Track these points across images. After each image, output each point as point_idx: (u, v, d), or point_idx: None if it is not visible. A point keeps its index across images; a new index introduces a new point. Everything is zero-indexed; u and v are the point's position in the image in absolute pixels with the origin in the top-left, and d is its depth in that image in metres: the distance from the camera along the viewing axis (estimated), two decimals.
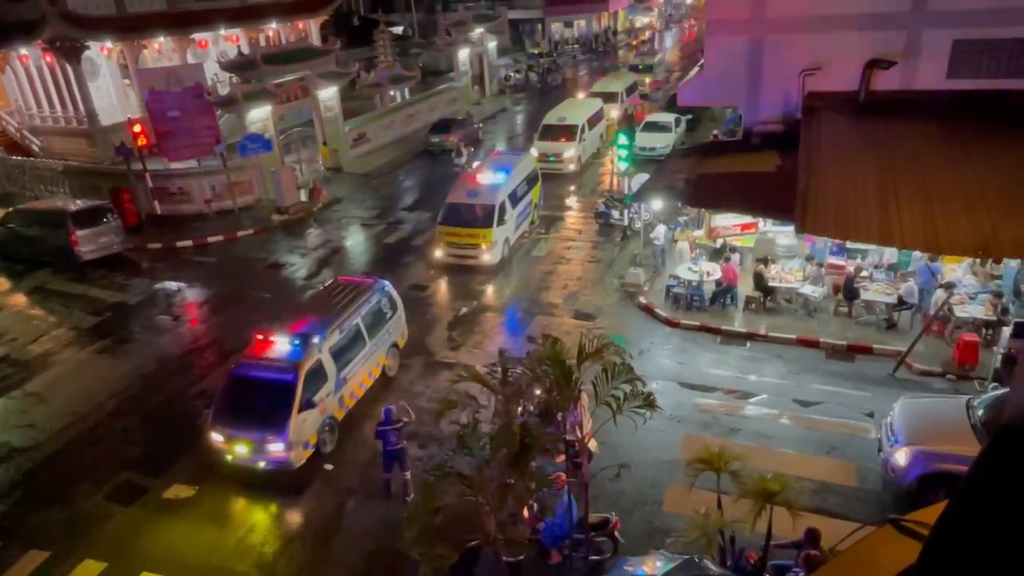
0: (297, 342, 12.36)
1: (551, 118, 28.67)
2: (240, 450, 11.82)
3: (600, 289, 18.11)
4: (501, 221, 19.34)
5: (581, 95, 33.49)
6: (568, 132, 27.71)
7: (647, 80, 40.97)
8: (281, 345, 12.46)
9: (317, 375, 12.34)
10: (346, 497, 11.63)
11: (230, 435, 11.83)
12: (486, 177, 20.39)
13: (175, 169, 25.08)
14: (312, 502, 11.59)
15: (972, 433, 10.04)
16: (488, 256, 19.17)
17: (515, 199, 20.51)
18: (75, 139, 28.15)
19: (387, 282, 15.16)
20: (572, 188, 26.20)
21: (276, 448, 11.63)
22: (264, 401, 11.93)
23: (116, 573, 10.35)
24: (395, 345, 14.88)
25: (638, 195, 17.67)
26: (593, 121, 29.22)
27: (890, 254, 16.16)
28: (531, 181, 21.92)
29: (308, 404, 11.95)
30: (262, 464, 11.86)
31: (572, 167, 27.39)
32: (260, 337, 12.70)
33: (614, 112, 33.16)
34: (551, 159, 26.80)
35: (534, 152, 25.81)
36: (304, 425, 11.85)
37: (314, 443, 12.19)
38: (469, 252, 19.38)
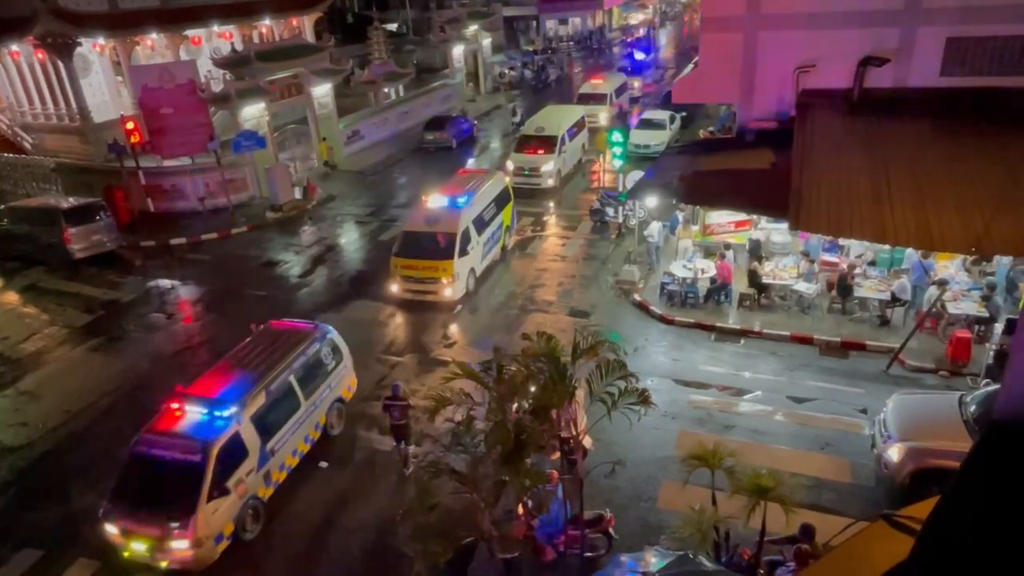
0: (207, 414, 10.44)
1: (528, 128, 26.64)
2: (137, 547, 9.83)
3: (595, 286, 18.12)
4: (464, 251, 17.34)
5: (582, 87, 33.31)
6: (546, 144, 25.43)
7: (636, 84, 39.43)
8: (190, 416, 10.49)
9: (234, 452, 10.30)
10: (341, 494, 11.61)
11: (126, 528, 9.86)
12: (447, 200, 18.33)
13: (168, 166, 24.99)
14: (307, 504, 11.55)
15: (964, 429, 10.09)
16: (450, 291, 17.14)
17: (481, 224, 18.52)
18: (67, 136, 27.99)
19: (330, 328, 13.20)
20: (551, 204, 24.34)
21: (180, 546, 9.68)
22: (166, 487, 10.02)
23: (110, 572, 10.32)
24: (340, 400, 12.92)
25: (633, 192, 17.68)
26: (574, 131, 27.24)
27: (872, 249, 16.21)
28: (501, 202, 20.03)
29: (221, 490, 9.96)
30: (164, 564, 9.92)
31: (550, 182, 25.11)
32: (171, 406, 10.72)
33: (603, 115, 31.85)
34: (527, 173, 24.77)
35: (509, 166, 24.47)
36: (215, 516, 9.91)
37: (230, 533, 10.26)
38: (428, 287, 17.32)
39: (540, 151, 25.35)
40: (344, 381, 13.11)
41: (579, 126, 27.84)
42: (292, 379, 11.69)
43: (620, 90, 34.47)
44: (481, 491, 7.99)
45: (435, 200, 18.51)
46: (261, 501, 10.89)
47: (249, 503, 10.54)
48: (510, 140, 29.70)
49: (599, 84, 34.19)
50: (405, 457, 11.97)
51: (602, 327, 14.96)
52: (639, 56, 43.95)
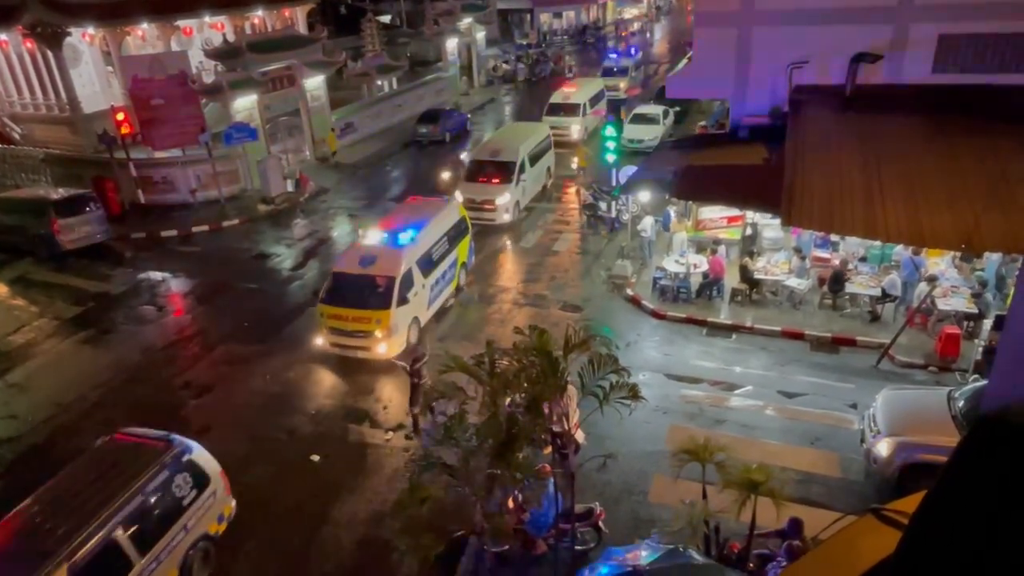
0: None
1: (481, 152, 23.04)
2: None
3: (587, 281, 18.14)
4: (403, 299, 14.67)
5: (552, 96, 30.17)
6: (503, 171, 21.65)
7: (622, 85, 36.14)
8: None
9: None
10: (332, 488, 11.61)
11: None
12: (388, 236, 15.68)
13: (159, 158, 24.81)
14: (298, 496, 11.55)
15: (953, 424, 10.17)
16: (384, 347, 14.40)
17: (429, 263, 15.87)
18: (57, 127, 27.73)
19: (191, 444, 10.16)
20: (506, 241, 20.91)
21: None
22: None
23: None
24: (206, 538, 9.93)
25: (626, 187, 17.70)
26: (537, 154, 23.45)
27: (864, 245, 16.30)
28: (456, 236, 17.43)
29: None
30: None
31: (506, 217, 21.35)
32: None
33: (575, 127, 28.89)
34: (480, 205, 21.09)
35: (458, 196, 20.45)
36: None
37: None
38: (358, 342, 14.63)
39: (495, 180, 21.55)
40: (212, 512, 10.07)
41: (544, 148, 24.34)
42: (120, 534, 8.58)
43: (596, 98, 31.15)
44: (473, 485, 8.00)
45: (373, 236, 15.85)
46: None
47: None
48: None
49: (571, 93, 30.69)
50: (413, 418, 12.62)
51: (594, 321, 15.00)
52: (625, 62, 39.53)
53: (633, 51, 43.29)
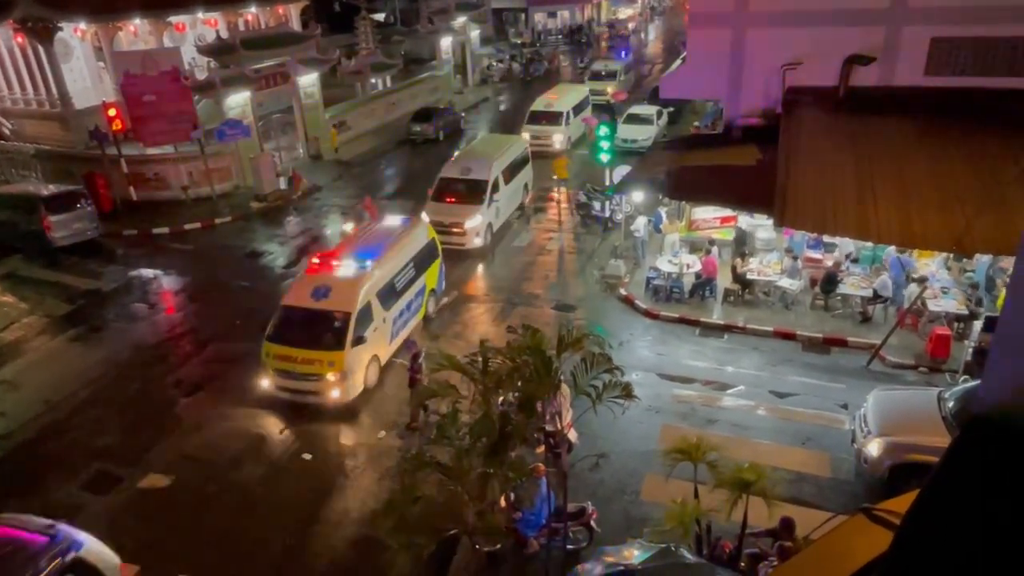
0: None
1: (450, 168, 20.79)
2: None
3: (581, 280, 18.15)
4: (359, 338, 13.07)
5: (533, 104, 28.84)
6: (474, 190, 19.81)
7: (609, 89, 34.48)
8: None
9: None
10: (324, 486, 11.59)
11: None
12: (344, 263, 13.96)
13: (151, 154, 24.65)
14: (291, 494, 11.52)
15: (943, 425, 10.25)
16: (338, 392, 12.86)
17: (391, 295, 14.29)
18: (48, 122, 27.48)
19: (83, 538, 8.57)
20: (475, 271, 19.06)
21: None
22: None
23: None
24: None
25: (619, 187, 17.72)
26: (512, 170, 21.51)
27: (856, 246, 16.39)
28: (424, 260, 15.85)
29: None
30: None
31: (477, 241, 19.41)
32: None
33: (558, 137, 27.47)
34: (448, 228, 18.97)
35: (424, 218, 18.07)
36: None
37: None
38: (308, 386, 12.97)
39: (464, 201, 19.73)
40: None
41: (520, 163, 22.37)
42: None
43: (580, 106, 29.49)
44: (465, 484, 8.00)
45: (327, 263, 14.09)
46: None
47: None
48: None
49: (553, 100, 28.85)
50: (414, 414, 12.53)
51: (587, 321, 15.02)
52: (613, 64, 37.75)
53: (623, 54, 41.51)
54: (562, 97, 29.34)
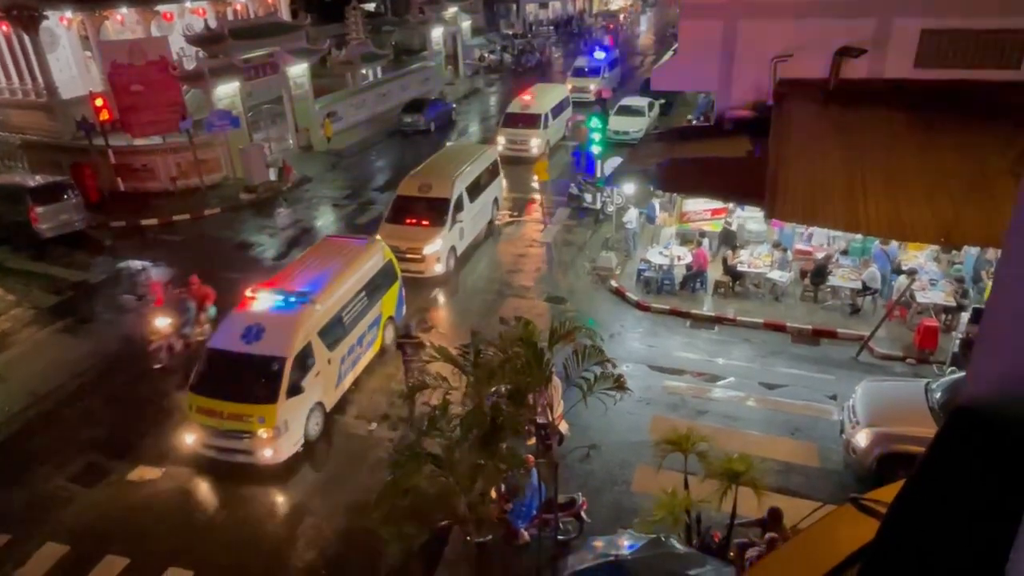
0: None
1: (408, 186, 18.38)
2: None
3: (572, 272, 18.16)
4: (295, 388, 11.40)
5: (509, 106, 27.19)
6: (434, 211, 17.52)
7: (592, 86, 33.34)
8: None
9: None
10: (315, 478, 11.57)
11: None
12: (282, 298, 12.28)
13: (139, 145, 24.44)
14: (282, 485, 11.50)
15: (930, 415, 10.34)
16: (269, 451, 11.21)
17: (337, 330, 12.62)
18: (34, 112, 27.15)
19: None
20: (437, 301, 17.03)
21: None
22: None
23: (79, 556, 10.18)
24: None
25: (611, 179, 17.72)
26: (479, 184, 19.45)
27: (845, 238, 16.47)
28: (380, 286, 14.21)
29: None
30: None
31: (438, 268, 17.21)
32: None
33: (535, 142, 25.57)
34: (405, 254, 16.50)
35: (379, 240, 15.65)
36: None
37: None
38: (235, 444, 11.30)
39: (423, 222, 17.38)
40: None
41: (490, 173, 20.41)
42: None
43: (559, 107, 27.75)
44: (456, 475, 8.01)
45: (263, 299, 12.33)
46: None
47: None
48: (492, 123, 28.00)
49: (530, 102, 26.86)
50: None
51: (579, 313, 15.03)
52: (599, 55, 35.96)
53: (606, 49, 38.77)
54: (540, 98, 27.22)
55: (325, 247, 14.91)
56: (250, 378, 11.48)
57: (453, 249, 17.92)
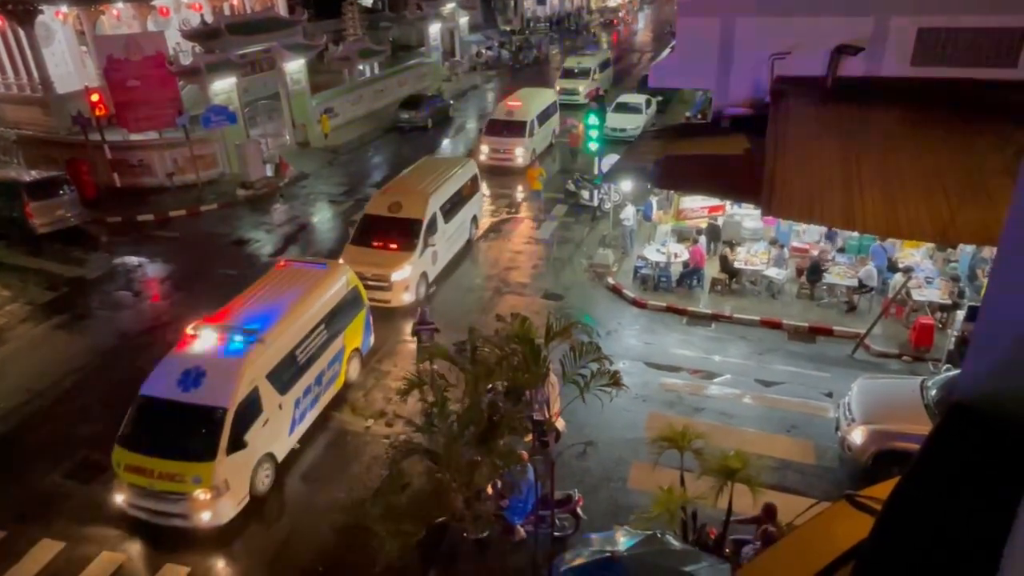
0: None
1: (378, 204, 16.89)
2: None
3: (569, 269, 18.16)
4: (238, 442, 10.12)
5: (494, 112, 26.28)
6: (404, 233, 16.04)
7: (581, 88, 32.49)
8: None
9: None
10: (312, 475, 11.57)
11: None
12: (225, 338, 10.95)
13: (135, 140, 24.35)
14: (278, 480, 11.50)
15: (925, 413, 10.38)
16: (208, 514, 9.97)
17: (292, 371, 11.39)
18: (29, 107, 27.05)
19: None
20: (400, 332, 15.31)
21: None
22: None
23: (75, 552, 10.18)
24: None
25: (608, 176, 17.71)
26: (456, 202, 17.91)
27: (843, 237, 16.49)
28: (342, 316, 12.98)
29: None
30: None
31: (406, 298, 15.68)
32: None
33: (519, 151, 24.38)
34: (371, 281, 14.94)
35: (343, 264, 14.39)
36: None
37: None
38: (168, 507, 10.00)
39: (392, 246, 15.89)
40: None
41: (468, 190, 18.92)
42: None
43: (546, 113, 26.41)
44: (453, 471, 8.01)
45: (206, 338, 11.01)
46: None
47: None
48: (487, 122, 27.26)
49: (515, 108, 25.42)
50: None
51: (575, 310, 15.04)
52: (586, 61, 35.33)
53: (593, 48, 37.66)
54: (526, 103, 25.79)
55: (280, 274, 13.22)
56: (186, 431, 10.19)
57: (424, 275, 16.31)
